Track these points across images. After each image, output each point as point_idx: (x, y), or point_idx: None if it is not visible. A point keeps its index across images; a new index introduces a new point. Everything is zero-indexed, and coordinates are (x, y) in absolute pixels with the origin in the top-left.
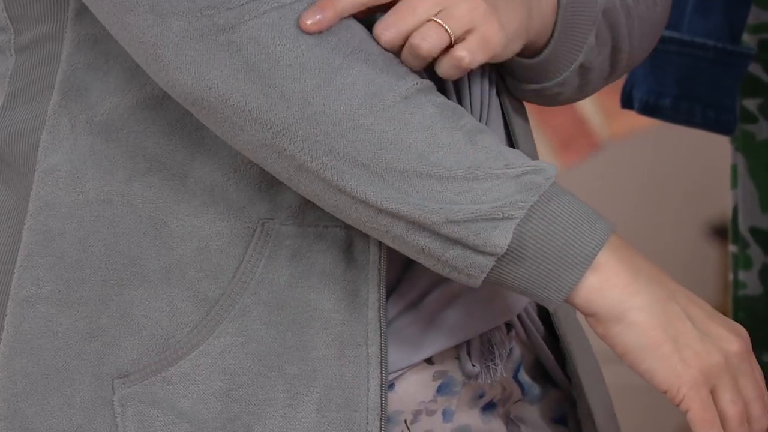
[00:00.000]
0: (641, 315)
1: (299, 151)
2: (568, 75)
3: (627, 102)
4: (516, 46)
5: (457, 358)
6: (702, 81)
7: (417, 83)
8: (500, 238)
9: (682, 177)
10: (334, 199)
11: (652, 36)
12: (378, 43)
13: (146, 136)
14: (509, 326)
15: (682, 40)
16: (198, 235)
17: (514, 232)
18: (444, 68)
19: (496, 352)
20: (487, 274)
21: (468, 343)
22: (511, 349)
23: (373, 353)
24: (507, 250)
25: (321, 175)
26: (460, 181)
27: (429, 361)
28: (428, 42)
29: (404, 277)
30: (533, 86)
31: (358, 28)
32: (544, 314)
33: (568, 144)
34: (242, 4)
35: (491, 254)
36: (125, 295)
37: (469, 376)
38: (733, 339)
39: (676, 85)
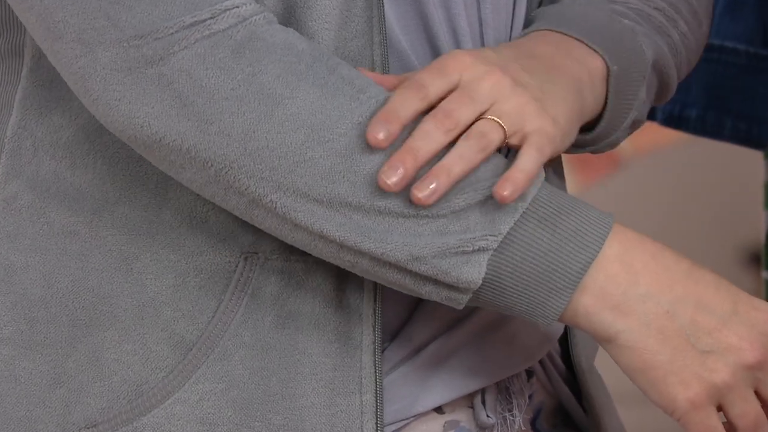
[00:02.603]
0: (631, 338)
1: (246, 189)
2: (620, 134)
3: (649, 113)
4: (573, 137)
5: (471, 407)
6: (732, 90)
7: (377, 101)
8: (473, 273)
9: (711, 196)
10: (292, 235)
11: (697, 55)
12: (334, 58)
13: (115, 162)
14: (530, 373)
15: (710, 44)
16: (174, 271)
17: (488, 264)
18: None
19: (515, 402)
20: (468, 302)
21: (483, 390)
22: (530, 396)
23: (368, 402)
24: (483, 281)
25: (273, 212)
26: (421, 218)
27: (439, 409)
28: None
29: (408, 320)
30: (582, 150)
31: (307, 47)
32: (564, 348)
33: (587, 161)
34: (171, 33)
35: (465, 290)
36: (94, 336)
37: (483, 427)
38: (746, 350)
39: (704, 94)
